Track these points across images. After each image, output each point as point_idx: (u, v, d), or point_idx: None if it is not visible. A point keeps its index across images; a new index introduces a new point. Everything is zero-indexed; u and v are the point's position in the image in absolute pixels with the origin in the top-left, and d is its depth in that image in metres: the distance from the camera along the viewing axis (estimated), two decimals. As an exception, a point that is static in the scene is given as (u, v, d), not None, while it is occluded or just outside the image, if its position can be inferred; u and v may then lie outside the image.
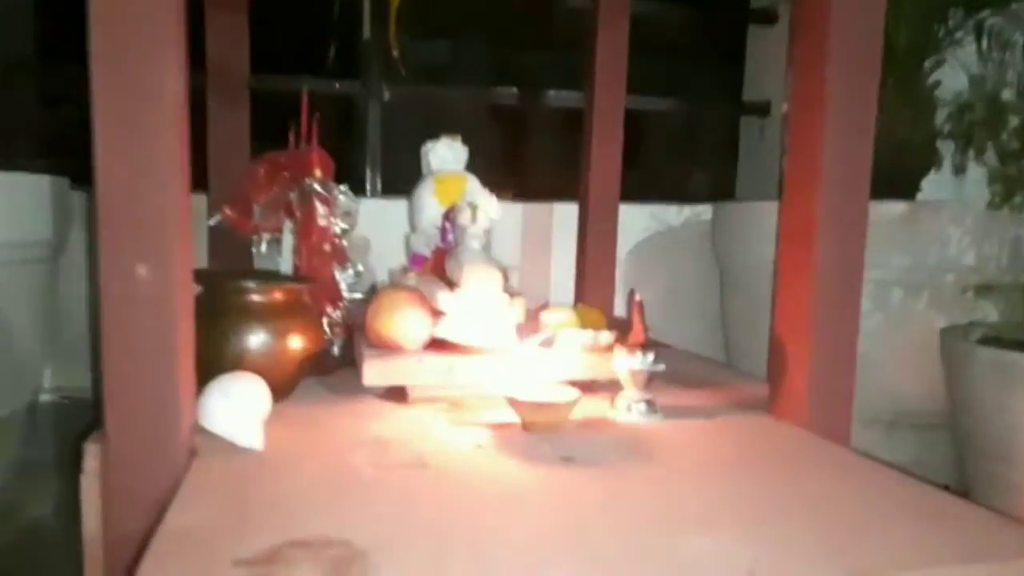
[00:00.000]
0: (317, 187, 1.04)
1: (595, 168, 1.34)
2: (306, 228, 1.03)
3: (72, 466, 0.61)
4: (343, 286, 1.05)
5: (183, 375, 0.61)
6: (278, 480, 0.58)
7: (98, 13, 0.56)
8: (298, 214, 1.04)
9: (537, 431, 0.71)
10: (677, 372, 0.94)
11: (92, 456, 0.60)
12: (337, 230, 1.05)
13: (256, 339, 0.75)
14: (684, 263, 1.75)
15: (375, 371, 0.78)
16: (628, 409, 0.78)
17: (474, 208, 0.90)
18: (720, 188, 2.01)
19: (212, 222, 1.06)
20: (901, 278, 1.20)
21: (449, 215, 0.95)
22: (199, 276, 0.78)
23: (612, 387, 0.82)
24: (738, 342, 1.53)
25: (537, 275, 1.67)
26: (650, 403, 0.79)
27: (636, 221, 1.72)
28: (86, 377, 1.39)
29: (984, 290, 1.16)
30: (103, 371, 0.59)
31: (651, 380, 0.79)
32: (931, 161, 1.34)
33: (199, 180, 1.21)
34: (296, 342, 0.78)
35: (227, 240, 1.12)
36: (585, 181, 1.35)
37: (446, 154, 1.06)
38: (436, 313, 0.84)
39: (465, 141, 1.14)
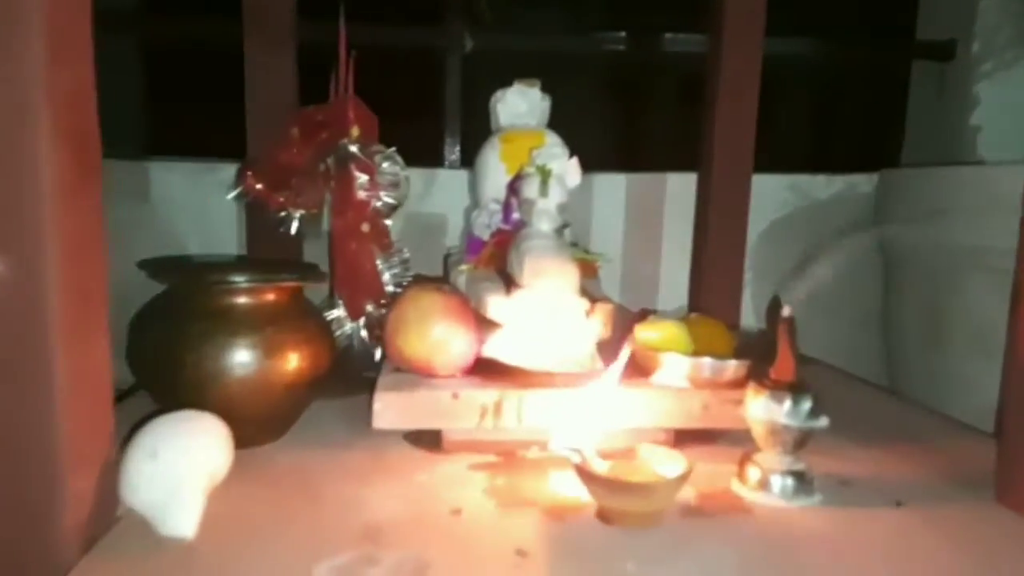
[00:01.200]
0: (354, 150, 0.82)
1: (722, 128, 1.04)
2: (341, 203, 0.82)
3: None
4: (386, 277, 0.83)
5: (71, 428, 0.40)
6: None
7: None
8: (333, 185, 0.83)
9: (618, 524, 0.46)
10: (833, 406, 0.65)
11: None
12: (379, 206, 0.82)
13: (234, 358, 0.54)
14: (833, 248, 1.40)
15: (389, 409, 0.54)
16: (765, 486, 0.50)
17: (545, 175, 0.64)
18: (882, 155, 1.62)
19: (232, 195, 0.87)
20: None
21: (514, 185, 0.70)
22: (158, 268, 0.58)
23: (740, 442, 0.54)
24: (906, 357, 1.18)
25: (641, 266, 1.39)
26: (801, 477, 0.51)
27: (771, 195, 1.39)
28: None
29: None
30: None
31: (806, 440, 0.51)
32: None
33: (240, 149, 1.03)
34: (293, 362, 0.56)
35: (269, 222, 0.91)
36: (709, 145, 1.05)
37: (518, 104, 0.81)
38: (486, 324, 0.59)
39: (561, 99, 0.88)
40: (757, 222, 1.37)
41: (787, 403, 0.50)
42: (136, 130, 1.42)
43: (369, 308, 0.82)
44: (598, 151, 1.52)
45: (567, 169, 0.65)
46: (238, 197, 0.86)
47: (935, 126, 1.52)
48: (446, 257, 0.86)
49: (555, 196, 0.63)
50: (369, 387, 0.56)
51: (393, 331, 0.58)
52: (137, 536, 0.42)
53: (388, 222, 0.83)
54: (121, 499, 0.44)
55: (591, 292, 0.64)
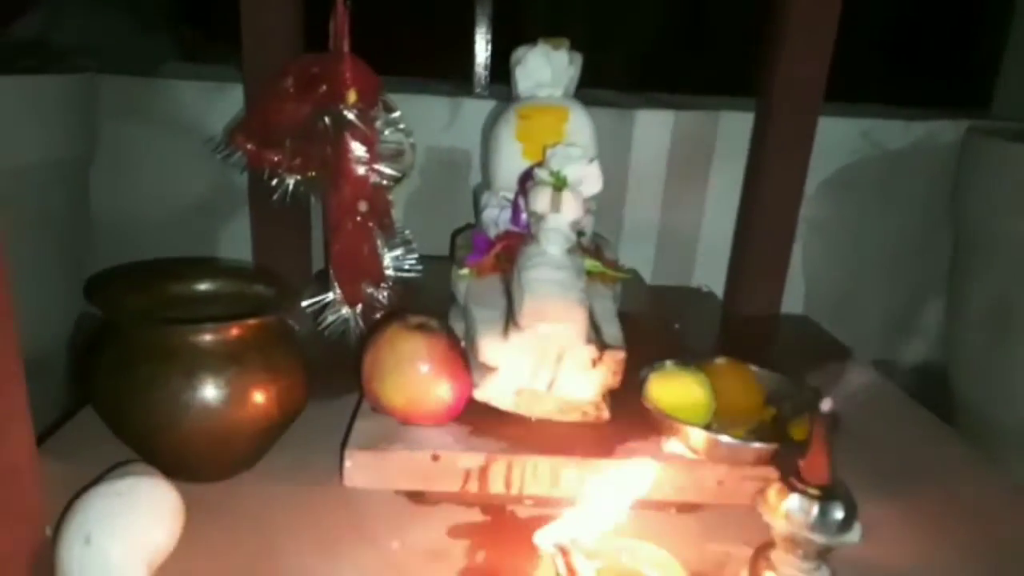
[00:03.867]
0: (351, 116, 0.72)
1: (788, 59, 0.90)
2: (337, 177, 0.73)
3: None
4: (387, 260, 0.76)
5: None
6: None
7: None
8: (329, 151, 0.74)
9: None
10: (875, 447, 0.57)
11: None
12: (380, 180, 0.73)
13: (190, 405, 0.48)
14: (903, 207, 1.25)
15: (360, 469, 0.48)
16: (781, 596, 0.44)
17: (560, 184, 0.54)
18: (970, 98, 1.43)
19: (221, 154, 0.78)
20: None
21: (526, 184, 0.60)
22: (107, 293, 0.52)
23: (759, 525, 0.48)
24: (971, 357, 1.07)
25: (687, 211, 1.27)
26: (824, 588, 0.44)
27: (838, 140, 1.23)
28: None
29: None
30: None
31: (831, 550, 0.44)
32: None
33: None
34: (261, 403, 0.50)
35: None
36: (769, 78, 0.92)
37: (541, 70, 0.68)
38: (480, 367, 0.52)
39: (604, 17, 0.74)
40: (818, 168, 1.24)
41: (815, 512, 0.42)
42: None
43: (370, 290, 0.76)
44: (640, 84, 1.37)
45: (586, 176, 0.55)
46: (227, 159, 0.78)
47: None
48: (453, 236, 0.77)
49: (569, 211, 0.54)
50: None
51: (369, 376, 0.51)
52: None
53: (391, 198, 0.75)
54: (55, 584, 0.40)
55: (602, 317, 0.56)
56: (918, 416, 0.71)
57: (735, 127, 1.15)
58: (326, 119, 0.74)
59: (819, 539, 0.42)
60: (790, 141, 0.95)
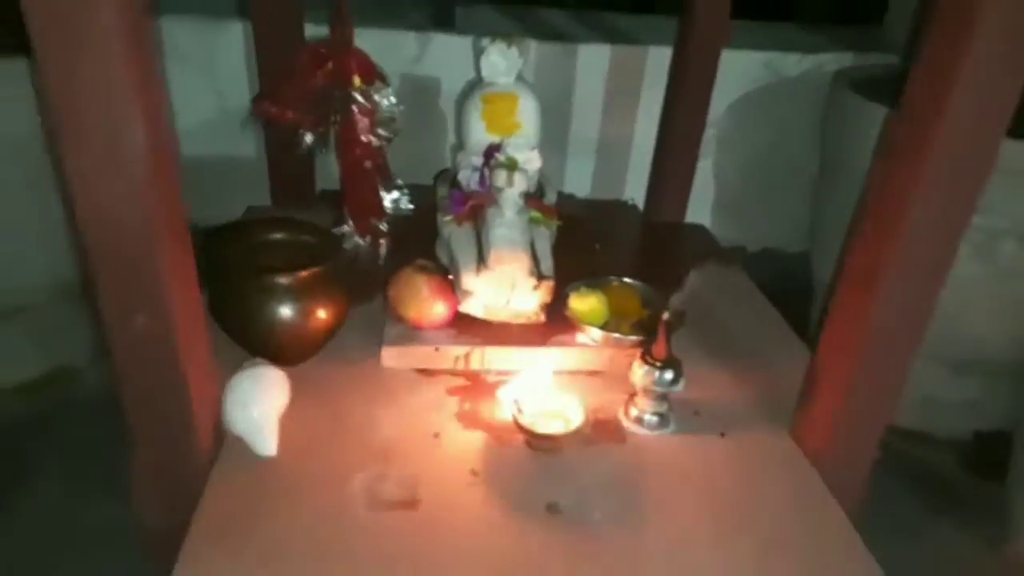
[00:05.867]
0: (357, 96, 0.96)
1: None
2: (347, 142, 0.98)
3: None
4: (387, 201, 1.02)
5: (192, 385, 0.64)
6: (284, 513, 0.65)
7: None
8: (338, 120, 0.98)
9: (539, 451, 0.73)
10: (722, 328, 0.90)
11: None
12: (378, 142, 0.98)
13: (284, 314, 0.77)
14: (791, 127, 1.53)
15: (393, 356, 0.79)
16: (639, 421, 0.77)
17: (512, 167, 0.81)
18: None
19: (246, 119, 1.01)
20: (1017, 228, 1.02)
21: (490, 157, 0.87)
22: (236, 246, 0.79)
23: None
24: (824, 243, 1.39)
25: (620, 131, 1.52)
26: (662, 416, 0.77)
27: (744, 69, 1.48)
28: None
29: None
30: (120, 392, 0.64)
31: (667, 395, 0.77)
32: None
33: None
34: (321, 314, 0.79)
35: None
36: (687, 17, 1.11)
37: (498, 63, 0.93)
38: (459, 290, 0.82)
39: None
40: (728, 93, 1.49)
41: (656, 374, 0.75)
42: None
43: (373, 222, 1.03)
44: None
45: (529, 159, 0.82)
46: (253, 120, 1.02)
47: None
48: (435, 177, 1.04)
49: (519, 184, 0.82)
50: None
51: (395, 300, 0.81)
52: (240, 454, 0.70)
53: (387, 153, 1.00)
54: (226, 430, 0.71)
55: (540, 252, 0.84)
56: (756, 304, 1.03)
57: (660, 59, 1.37)
58: (336, 94, 0.97)
59: (659, 389, 0.75)
60: (698, 72, 1.14)
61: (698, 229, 1.26)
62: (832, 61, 1.49)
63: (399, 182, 1.02)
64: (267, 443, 0.70)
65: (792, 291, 1.33)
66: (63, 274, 1.27)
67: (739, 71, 1.47)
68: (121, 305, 0.59)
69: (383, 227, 1.02)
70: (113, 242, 0.57)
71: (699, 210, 1.45)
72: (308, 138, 1.00)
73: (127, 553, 0.78)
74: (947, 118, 0.58)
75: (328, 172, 1.10)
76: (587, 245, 1.08)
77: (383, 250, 1.03)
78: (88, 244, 0.57)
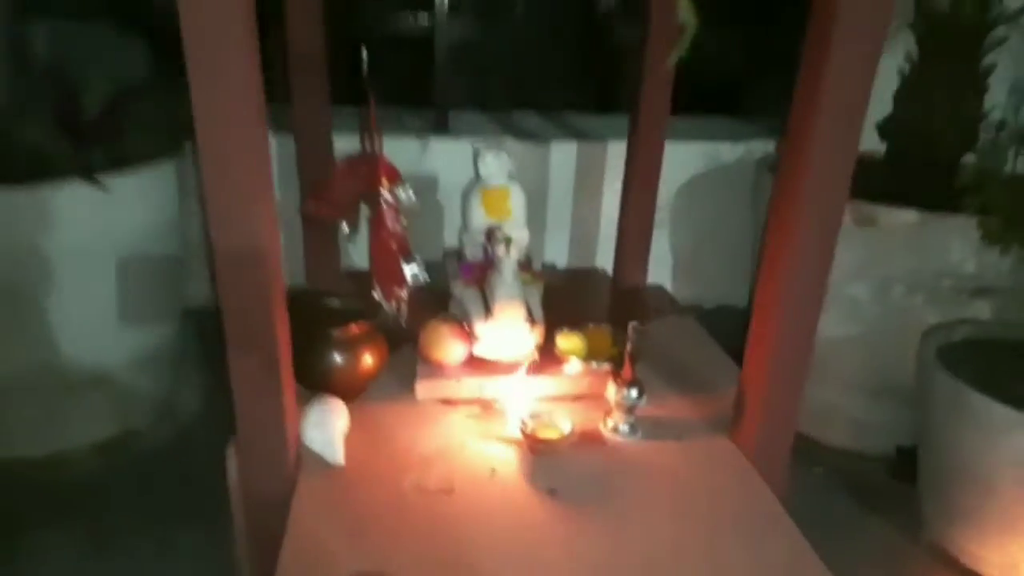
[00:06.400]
0: (385, 194, 1.23)
1: (645, 102, 1.32)
2: (377, 229, 1.25)
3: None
4: (408, 275, 1.29)
5: (288, 410, 0.88)
6: (359, 500, 0.87)
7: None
8: (371, 215, 1.25)
9: (540, 454, 0.97)
10: (678, 365, 1.15)
11: (232, 459, 0.91)
12: (399, 228, 1.25)
13: (340, 359, 1.02)
14: (731, 200, 1.84)
15: (426, 389, 1.04)
16: (614, 430, 1.02)
17: (508, 242, 1.08)
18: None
19: (302, 211, 1.29)
20: (905, 277, 1.31)
21: (491, 237, 1.14)
22: (300, 310, 1.04)
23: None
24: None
25: (589, 211, 1.82)
26: (633, 426, 1.02)
27: (688, 158, 1.80)
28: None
29: (980, 292, 1.26)
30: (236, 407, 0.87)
31: (635, 408, 1.01)
32: (970, 145, 1.36)
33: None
34: (367, 359, 1.04)
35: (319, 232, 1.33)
36: (635, 119, 1.35)
37: (492, 165, 1.21)
38: (474, 336, 1.07)
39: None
40: (678, 177, 1.80)
41: (624, 392, 1.00)
42: None
43: (396, 290, 1.28)
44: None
45: (520, 236, 1.09)
46: (305, 214, 1.29)
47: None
48: (445, 254, 1.31)
49: (514, 254, 1.08)
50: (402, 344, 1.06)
51: (424, 345, 1.06)
52: (316, 464, 0.93)
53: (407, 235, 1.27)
54: (304, 445, 0.94)
55: (533, 306, 1.11)
56: (705, 344, 1.30)
57: (618, 152, 1.67)
58: (370, 193, 1.25)
59: (628, 403, 1.00)
60: (647, 163, 1.40)
61: (658, 289, 1.54)
62: (760, 148, 1.81)
63: (417, 258, 1.28)
64: (337, 454, 0.93)
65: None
66: (137, 347, 1.51)
67: (685, 159, 1.78)
68: (243, 345, 0.84)
69: (404, 294, 1.28)
70: (243, 283, 0.81)
71: (662, 274, 1.73)
72: (346, 228, 1.28)
73: None
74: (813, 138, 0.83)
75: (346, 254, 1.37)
76: (565, 305, 1.35)
77: (404, 312, 1.29)
78: (221, 286, 0.81)
